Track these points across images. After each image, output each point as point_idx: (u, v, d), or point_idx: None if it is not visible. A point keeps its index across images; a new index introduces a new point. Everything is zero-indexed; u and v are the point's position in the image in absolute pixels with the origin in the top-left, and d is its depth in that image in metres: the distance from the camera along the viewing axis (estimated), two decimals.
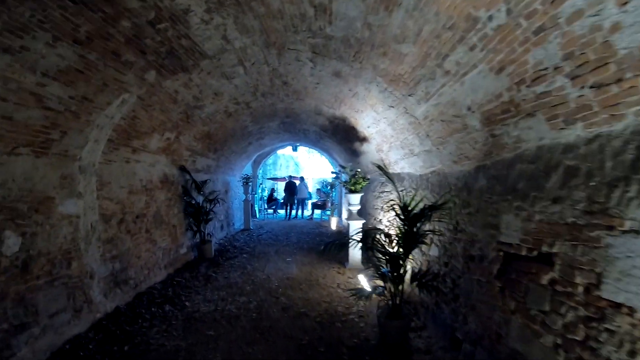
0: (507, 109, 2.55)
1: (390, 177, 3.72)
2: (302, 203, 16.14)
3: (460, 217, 3.40)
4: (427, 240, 3.95)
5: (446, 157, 3.77)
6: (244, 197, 11.14)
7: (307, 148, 22.99)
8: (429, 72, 3.02)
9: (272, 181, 25.99)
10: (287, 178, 20.60)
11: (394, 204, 3.66)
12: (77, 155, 3.90)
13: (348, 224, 6.08)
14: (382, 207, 6.37)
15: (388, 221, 5.91)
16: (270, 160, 29.45)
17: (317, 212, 15.14)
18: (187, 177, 6.71)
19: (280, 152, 29.34)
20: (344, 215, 11.88)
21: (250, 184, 11.11)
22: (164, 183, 5.99)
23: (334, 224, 11.75)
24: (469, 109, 2.91)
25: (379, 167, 3.76)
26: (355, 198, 5.91)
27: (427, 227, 3.76)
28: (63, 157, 3.72)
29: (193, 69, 4.27)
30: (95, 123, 3.88)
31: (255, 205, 15.25)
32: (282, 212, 17.15)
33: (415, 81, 3.28)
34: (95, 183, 4.25)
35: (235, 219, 11.43)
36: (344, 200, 12.71)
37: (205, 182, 7.10)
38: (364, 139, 6.41)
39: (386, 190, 6.15)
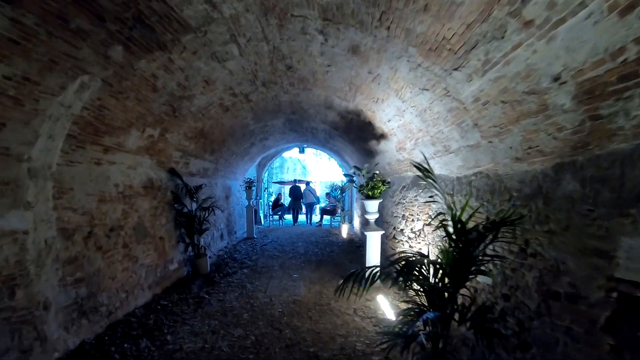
0: (630, 73, 1.63)
1: (434, 181, 2.79)
2: (310, 208, 15.56)
3: (531, 235, 2.46)
4: (487, 268, 2.98)
5: (502, 153, 2.84)
6: (246, 203, 10.28)
7: (314, 150, 22.24)
8: (494, 28, 2.10)
9: (279, 185, 25.26)
10: (293, 182, 20.00)
11: (442, 220, 2.73)
12: (24, 154, 3.06)
13: (364, 235, 5.16)
14: (404, 215, 5.44)
15: (412, 232, 4.97)
16: (276, 163, 28.73)
17: (327, 217, 14.20)
18: (179, 181, 5.86)
19: (286, 154, 28.74)
20: (356, 221, 10.94)
21: (253, 188, 10.25)
22: (149, 189, 5.14)
23: (344, 232, 10.81)
24: (555, 79, 1.98)
25: (419, 166, 2.82)
26: (373, 205, 4.99)
27: (481, 247, 2.82)
28: (2, 157, 2.88)
29: (173, 47, 3.42)
30: (46, 113, 3.05)
31: (260, 211, 14.39)
32: (289, 217, 16.38)
33: (469, 46, 2.36)
34: (52, 190, 3.41)
35: (238, 226, 10.57)
36: (355, 206, 11.77)
37: (199, 187, 6.24)
38: (381, 137, 5.49)
39: (409, 195, 5.22)
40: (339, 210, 11.95)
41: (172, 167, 5.71)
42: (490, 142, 2.92)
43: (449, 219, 2.49)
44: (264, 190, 16.54)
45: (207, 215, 6.18)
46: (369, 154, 7.15)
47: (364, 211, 7.59)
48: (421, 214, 4.66)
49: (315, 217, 18.22)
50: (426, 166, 2.71)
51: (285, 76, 4.63)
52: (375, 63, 3.52)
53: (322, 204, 18.13)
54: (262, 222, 14.34)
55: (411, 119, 4.06)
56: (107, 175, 4.24)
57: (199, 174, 7.01)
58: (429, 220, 4.37)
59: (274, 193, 19.61)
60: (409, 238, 5.09)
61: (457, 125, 3.26)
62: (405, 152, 5.06)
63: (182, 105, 4.66)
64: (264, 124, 7.35)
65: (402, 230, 5.50)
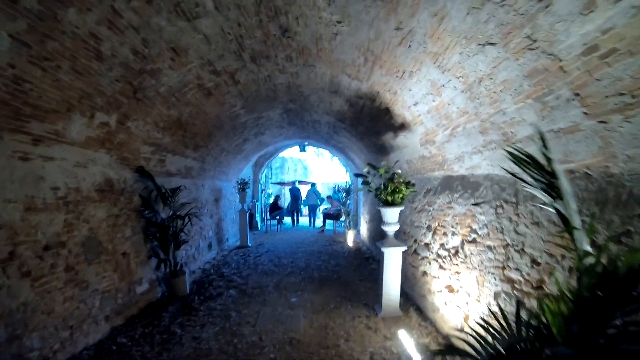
0: None
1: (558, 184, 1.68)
2: (313, 211, 14.81)
3: None
4: None
5: (626, 141, 1.75)
6: (239, 207, 9.18)
7: (315, 149, 21.14)
8: None
9: (279, 186, 24.17)
10: (294, 182, 19.24)
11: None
12: None
13: (381, 253, 4.04)
14: (430, 226, 4.34)
15: (444, 249, 3.88)
16: (277, 163, 27.82)
17: (329, 222, 13.10)
18: (150, 183, 4.78)
19: (287, 154, 27.74)
20: (363, 228, 9.83)
21: (247, 190, 9.16)
22: (106, 193, 4.06)
23: (350, 239, 9.71)
24: None
25: (525, 160, 1.68)
26: (393, 214, 3.89)
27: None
28: None
29: None
30: None
31: (257, 215, 13.30)
32: (288, 220, 15.51)
33: None
34: None
35: (230, 233, 9.48)
36: (361, 210, 10.66)
37: (176, 189, 5.15)
38: (401, 127, 4.40)
39: (438, 201, 4.11)
40: (344, 215, 10.85)
41: (141, 166, 4.63)
42: (602, 122, 1.82)
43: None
44: (261, 192, 15.45)
45: (183, 225, 5.08)
46: (382, 151, 6.05)
47: (379, 221, 6.50)
48: (459, 227, 3.57)
49: (319, 220, 17.36)
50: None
51: (280, 46, 3.54)
52: (408, 11, 2.43)
53: (325, 205, 17.12)
54: (259, 227, 13.25)
55: (452, 98, 2.97)
56: (39, 175, 3.16)
57: (179, 174, 5.93)
58: (473, 236, 3.27)
59: (273, 195, 18.51)
60: (439, 256, 3.99)
61: (536, 100, 2.17)
62: (434, 147, 3.96)
63: (145, 83, 3.58)
64: (257, 115, 6.27)
65: (427, 244, 4.40)
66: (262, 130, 7.63)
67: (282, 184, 23.53)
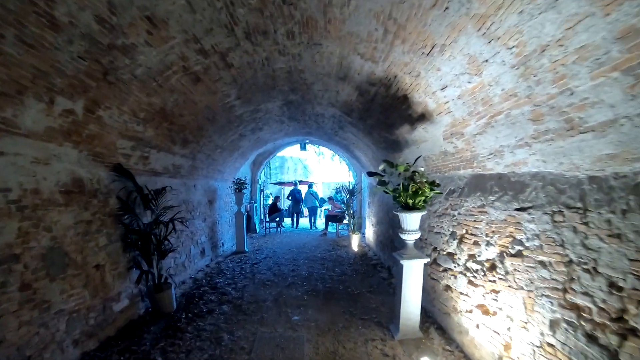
0: None
1: None
2: (313, 213, 14.87)
3: None
4: None
5: None
6: (236, 209, 8.61)
7: (316, 148, 20.62)
8: None
9: (279, 186, 23.59)
10: (294, 183, 18.75)
11: None
12: None
13: (400, 265, 3.45)
14: (455, 233, 3.78)
15: (476, 262, 3.31)
16: (276, 163, 27.28)
17: (332, 224, 12.53)
18: (130, 183, 4.21)
19: (287, 153, 27.16)
20: (369, 231, 9.27)
21: (245, 191, 8.59)
22: (75, 194, 3.49)
23: (355, 243, 9.15)
24: None
25: None
26: (413, 220, 3.31)
27: None
28: None
29: None
30: None
31: (255, 217, 12.73)
32: (288, 221, 15.25)
33: None
34: None
35: (226, 237, 8.91)
36: (366, 211, 10.10)
37: (161, 190, 4.57)
38: (421, 118, 3.83)
39: (466, 204, 3.54)
40: (347, 217, 10.28)
41: (119, 163, 4.06)
42: None
43: None
44: (260, 193, 14.88)
45: (167, 231, 4.50)
46: (394, 148, 5.49)
47: (389, 224, 5.92)
48: (496, 236, 3.00)
49: (320, 221, 16.93)
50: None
51: (280, 17, 2.97)
52: None
53: (326, 207, 16.61)
54: (257, 230, 12.68)
55: (497, 76, 2.40)
56: None
57: (166, 173, 5.35)
58: (518, 248, 2.70)
59: (272, 195, 17.93)
60: (468, 270, 3.41)
61: (626, 72, 1.61)
62: (462, 140, 3.40)
63: (117, 63, 3.01)
64: (254, 107, 5.70)
65: (451, 255, 3.83)
66: (260, 125, 7.05)
67: (281, 184, 22.99)
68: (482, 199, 3.27)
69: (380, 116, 4.77)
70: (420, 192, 3.11)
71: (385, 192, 3.34)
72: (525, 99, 2.33)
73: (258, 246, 9.25)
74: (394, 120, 4.55)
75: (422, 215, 4.14)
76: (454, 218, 3.80)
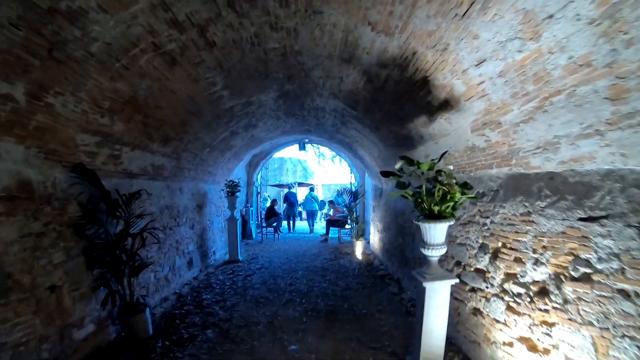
0: None
1: None
2: (312, 216, 14.86)
3: None
4: None
5: None
6: (228, 215, 7.98)
7: (316, 150, 20.08)
8: None
9: (278, 189, 22.98)
10: (289, 185, 18.61)
11: None
12: None
13: (422, 288, 2.81)
14: (485, 245, 3.16)
15: (519, 285, 2.69)
16: (275, 164, 26.70)
17: (333, 229, 11.90)
18: (95, 187, 3.59)
19: (285, 154, 26.67)
20: (374, 237, 8.64)
21: (238, 194, 7.97)
22: (21, 201, 2.88)
23: (359, 250, 8.53)
24: None
25: None
26: (439, 231, 2.67)
27: None
28: None
29: None
30: None
31: (251, 222, 12.11)
32: (284, 223, 14.86)
33: None
34: None
35: (218, 245, 8.29)
36: (371, 216, 9.48)
37: (134, 195, 3.95)
38: (444, 105, 3.23)
39: (503, 210, 2.93)
40: (350, 222, 9.65)
41: (81, 163, 3.44)
42: None
43: None
44: (257, 196, 14.26)
45: (139, 244, 3.87)
46: (405, 145, 4.88)
47: (399, 231, 5.29)
48: (549, 253, 2.38)
49: (318, 224, 16.85)
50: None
51: None
52: None
53: (327, 211, 16.12)
54: (253, 236, 12.05)
55: (565, 38, 1.79)
56: None
57: (145, 175, 4.74)
58: (583, 270, 2.09)
59: (269, 198, 17.31)
60: (506, 292, 2.79)
61: None
62: (498, 131, 2.79)
63: (64, 34, 2.40)
64: (245, 99, 5.10)
65: (481, 272, 3.21)
66: (253, 121, 6.45)
67: (280, 186, 22.42)
68: (527, 204, 2.65)
69: (391, 107, 4.16)
70: (448, 197, 2.50)
71: (404, 197, 2.72)
72: (604, 70, 1.73)
73: (253, 254, 8.62)
74: (407, 112, 3.94)
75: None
76: (485, 228, 3.18)
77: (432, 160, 2.69)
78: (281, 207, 20.18)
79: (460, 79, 2.75)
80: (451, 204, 2.55)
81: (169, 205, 5.48)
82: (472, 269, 3.38)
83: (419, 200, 2.59)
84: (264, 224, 11.91)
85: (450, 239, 3.90)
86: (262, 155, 13.04)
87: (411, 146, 4.69)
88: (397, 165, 2.65)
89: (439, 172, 2.64)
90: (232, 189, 7.69)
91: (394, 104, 4.00)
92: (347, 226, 10.87)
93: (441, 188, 2.49)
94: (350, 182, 14.82)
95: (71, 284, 3.40)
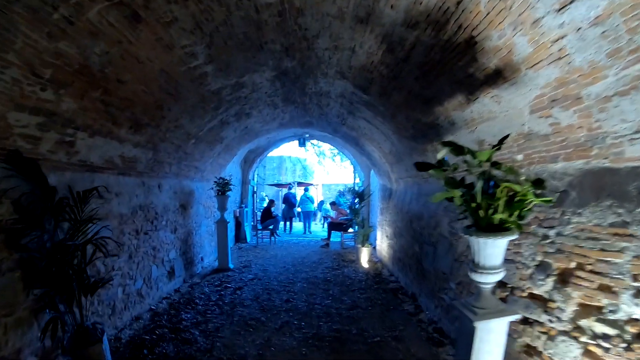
0: None
1: None
2: (307, 218, 14.71)
3: None
4: None
5: None
6: (218, 217, 7.26)
7: (317, 147, 19.48)
8: None
9: (276, 188, 22.34)
10: (292, 185, 18.77)
11: None
12: None
13: (471, 327, 2.10)
14: (548, 265, 2.44)
15: (607, 323, 1.97)
16: (273, 163, 26.04)
17: (335, 233, 11.16)
18: (35, 181, 2.86)
19: (285, 152, 26.01)
20: (382, 244, 7.91)
21: (229, 194, 7.25)
22: None
23: (365, 258, 7.81)
24: None
25: None
26: (497, 249, 1.93)
27: None
28: None
29: None
30: None
31: (246, 225, 11.39)
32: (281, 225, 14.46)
33: None
34: None
35: (207, 250, 7.58)
36: (378, 219, 8.76)
37: (87, 193, 3.22)
38: (494, 77, 2.51)
39: (576, 220, 2.21)
40: (355, 226, 8.93)
41: (16, 150, 2.72)
42: None
43: None
44: (253, 196, 13.54)
45: (92, 255, 3.14)
46: (428, 135, 4.17)
47: (415, 238, 4.54)
48: None
49: (315, 224, 16.77)
50: None
51: None
52: None
53: (330, 214, 15.55)
54: (248, 239, 11.33)
55: None
56: None
57: (112, 169, 4.01)
58: None
59: (267, 198, 16.57)
60: (582, 331, 2.08)
61: None
62: (574, 110, 2.09)
63: None
64: (235, 80, 4.38)
65: (540, 299, 2.49)
66: (246, 109, 5.73)
67: (279, 185, 21.79)
68: (621, 211, 1.94)
69: (415, 86, 3.45)
70: (516, 200, 1.79)
71: (449, 200, 1.99)
72: None
73: (246, 261, 7.89)
74: (437, 90, 3.23)
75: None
76: (548, 242, 2.46)
77: (491, 146, 1.97)
78: (280, 207, 19.67)
79: (526, 35, 2.03)
80: (517, 210, 1.83)
81: (143, 205, 4.76)
82: (525, 294, 2.66)
83: (473, 205, 1.87)
84: (260, 227, 11.19)
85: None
86: (259, 151, 12.33)
87: (436, 136, 3.97)
88: (440, 155, 1.92)
89: (495, 164, 1.92)
90: (222, 188, 6.97)
91: (420, 81, 3.29)
92: (350, 230, 10.16)
93: (508, 187, 1.77)
94: (354, 182, 14.13)
95: (2, 308, 2.69)
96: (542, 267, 2.51)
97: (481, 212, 1.83)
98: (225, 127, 6.21)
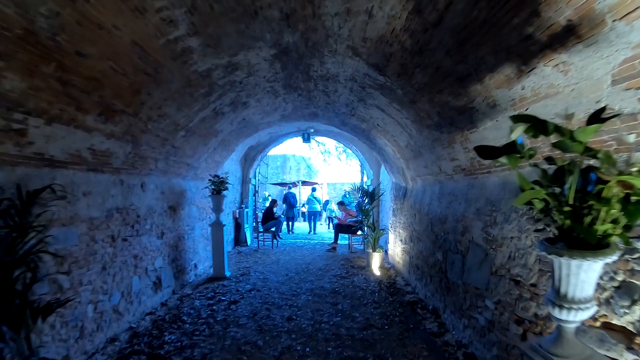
0: None
1: None
2: (313, 218, 15.07)
3: None
4: None
5: None
6: (213, 219, 6.72)
7: (322, 145, 19.03)
8: None
9: (280, 187, 22.06)
10: (292, 185, 19.07)
11: None
12: None
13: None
14: (625, 283, 1.86)
15: None
16: (277, 162, 25.75)
17: (342, 235, 10.59)
18: None
19: (289, 151, 25.80)
20: (396, 248, 7.33)
21: (225, 193, 6.70)
22: None
23: (376, 264, 7.25)
24: None
25: None
26: (591, 274, 1.33)
27: None
28: None
29: None
30: None
31: (246, 227, 10.86)
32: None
33: None
34: None
35: (202, 256, 7.06)
36: (390, 221, 8.17)
37: (38, 192, 2.66)
38: (564, 36, 1.93)
39: None
40: (365, 229, 8.36)
41: None
42: None
43: None
44: (254, 195, 13.01)
45: (33, 276, 2.58)
46: (458, 123, 3.59)
47: (454, 253, 3.92)
48: None
49: (321, 227, 16.98)
50: None
51: None
52: None
53: (336, 214, 15.15)
54: (248, 242, 10.80)
55: None
56: None
57: (79, 164, 3.47)
58: None
59: (270, 197, 16.03)
60: None
61: None
62: None
63: None
64: (228, 59, 3.83)
65: (618, 330, 1.92)
66: (242, 97, 5.19)
67: (283, 184, 21.69)
68: None
69: (446, 60, 2.87)
70: (634, 201, 1.21)
71: (530, 206, 1.39)
72: None
73: (245, 268, 7.35)
74: (476, 63, 2.64)
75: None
76: (636, 256, 1.88)
77: (588, 122, 1.38)
78: (281, 207, 19.41)
79: None
80: (630, 218, 1.25)
81: (122, 207, 4.22)
82: (598, 324, 2.08)
83: (565, 209, 1.28)
84: (261, 229, 10.65)
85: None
86: (260, 148, 11.78)
87: (468, 123, 3.39)
88: (515, 134, 1.34)
89: (588, 150, 1.34)
90: (217, 186, 6.43)
91: (453, 53, 2.71)
92: (359, 233, 9.59)
93: (624, 181, 1.19)
94: (361, 181, 13.56)
95: None
96: (626, 290, 1.92)
97: (586, 220, 1.25)
98: (219, 119, 5.67)
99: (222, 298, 5.21)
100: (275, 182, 23.57)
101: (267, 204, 13.22)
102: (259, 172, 14.22)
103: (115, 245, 4.09)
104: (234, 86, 4.65)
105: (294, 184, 21.82)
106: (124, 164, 4.23)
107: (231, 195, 10.07)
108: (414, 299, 5.26)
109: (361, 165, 13.48)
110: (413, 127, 4.65)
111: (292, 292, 5.53)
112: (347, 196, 18.72)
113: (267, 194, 20.13)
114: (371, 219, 7.88)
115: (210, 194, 6.58)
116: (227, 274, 6.61)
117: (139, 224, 4.63)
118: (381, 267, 7.37)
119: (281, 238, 11.48)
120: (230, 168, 9.80)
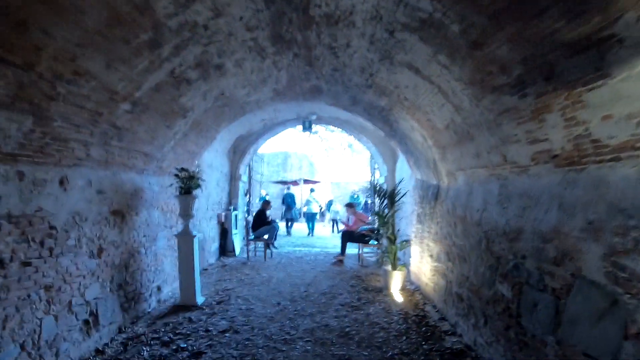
0: None
1: None
2: (311, 220, 15.35)
3: None
4: None
5: None
6: (180, 229, 5.40)
7: (326, 139, 18.46)
8: None
9: (281, 185, 21.58)
10: (290, 185, 19.23)
11: None
12: None
13: None
14: None
15: None
16: (278, 159, 25.46)
17: (346, 245, 9.23)
18: None
19: (290, 148, 25.86)
20: (422, 265, 5.96)
21: (196, 192, 5.37)
22: None
23: (396, 285, 5.92)
24: None
25: None
26: None
27: None
28: None
29: None
30: None
31: (234, 233, 9.55)
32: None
33: None
34: None
35: (168, 275, 5.76)
36: (414, 229, 6.79)
37: None
38: None
39: None
40: (384, 239, 7.01)
41: None
42: None
43: None
44: (246, 195, 11.71)
45: None
46: (565, 71, 2.24)
47: (483, 255, 2.56)
48: None
49: (324, 229, 17.31)
50: None
51: None
52: None
53: (340, 217, 14.46)
54: (236, 252, 9.49)
55: None
56: None
57: None
58: None
59: (267, 197, 14.75)
60: None
61: None
62: None
63: None
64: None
65: None
66: (213, 55, 3.86)
67: (284, 182, 21.46)
68: None
69: None
70: None
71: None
72: None
73: (224, 291, 6.02)
74: None
75: None
76: None
77: None
78: (280, 209, 18.94)
79: None
80: None
81: (17, 214, 2.90)
82: None
83: None
84: (252, 236, 9.35)
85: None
86: (252, 138, 10.47)
87: (590, 71, 2.03)
88: None
89: None
90: (185, 184, 5.11)
91: None
92: (371, 243, 8.27)
93: None
94: (372, 178, 12.26)
95: None
96: None
97: None
98: (184, 89, 4.34)
99: (182, 345, 3.85)
100: (277, 180, 23.34)
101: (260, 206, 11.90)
102: (253, 169, 12.91)
103: (6, 274, 2.79)
104: (196, 33, 3.32)
105: (295, 183, 21.15)
106: (23, 148, 2.91)
107: (216, 195, 8.79)
108: (456, 346, 3.92)
109: (372, 160, 12.16)
110: (466, 94, 3.29)
111: (283, 336, 4.15)
112: (356, 197, 17.48)
113: (264, 193, 18.99)
114: (390, 228, 6.51)
115: (177, 193, 5.27)
116: (199, 300, 5.28)
117: (55, 238, 3.31)
118: (403, 290, 6.04)
119: (276, 247, 10.16)
120: (214, 162, 8.52)
